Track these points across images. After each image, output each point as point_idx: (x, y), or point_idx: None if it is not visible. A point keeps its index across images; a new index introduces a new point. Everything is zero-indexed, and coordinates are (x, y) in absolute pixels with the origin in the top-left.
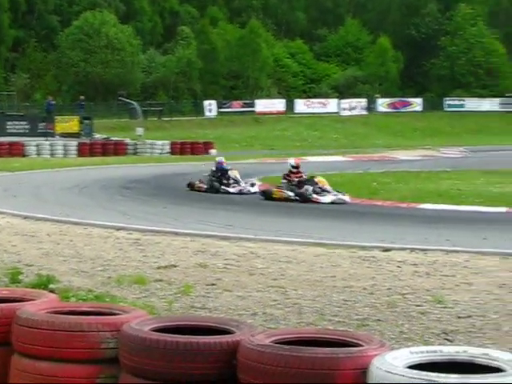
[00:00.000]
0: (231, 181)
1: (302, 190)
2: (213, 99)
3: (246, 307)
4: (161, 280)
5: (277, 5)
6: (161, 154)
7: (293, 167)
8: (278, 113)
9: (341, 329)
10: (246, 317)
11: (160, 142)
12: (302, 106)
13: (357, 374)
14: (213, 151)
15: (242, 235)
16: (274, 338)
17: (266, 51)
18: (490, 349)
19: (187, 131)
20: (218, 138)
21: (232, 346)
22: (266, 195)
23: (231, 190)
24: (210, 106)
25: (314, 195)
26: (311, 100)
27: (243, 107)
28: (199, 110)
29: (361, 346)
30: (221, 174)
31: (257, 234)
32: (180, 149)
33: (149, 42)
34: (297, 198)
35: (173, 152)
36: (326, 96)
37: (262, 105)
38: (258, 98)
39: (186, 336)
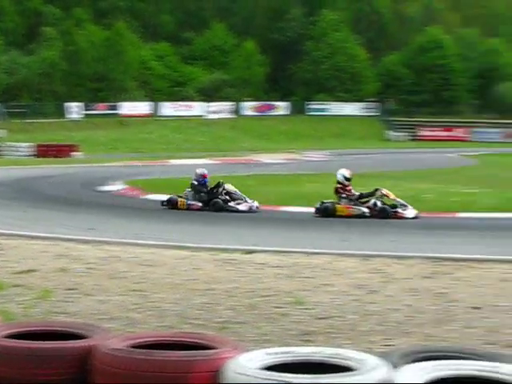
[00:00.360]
0: (233, 196)
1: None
2: (78, 101)
3: (106, 311)
4: (20, 285)
5: (143, 7)
6: (24, 156)
7: (346, 179)
8: (144, 115)
9: (199, 332)
10: (107, 321)
11: (24, 145)
12: (168, 108)
13: (211, 376)
14: (78, 154)
15: (103, 238)
16: (129, 342)
17: (131, 53)
18: (345, 349)
19: (52, 134)
20: (83, 141)
21: (86, 350)
22: (329, 211)
23: (241, 207)
24: (74, 109)
25: (399, 209)
26: (177, 103)
27: (108, 109)
28: (63, 112)
29: (216, 348)
30: (215, 189)
31: (119, 237)
32: (45, 151)
33: (11, 43)
34: (370, 213)
35: (37, 155)
36: (192, 99)
37: (128, 107)
38: (123, 101)
39: (38, 342)
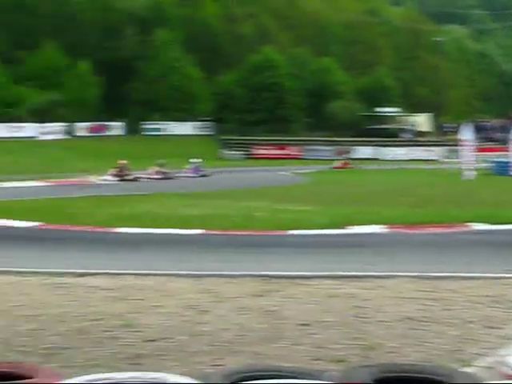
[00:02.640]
0: None
1: None
2: None
3: None
4: None
5: None
6: None
7: None
8: None
9: (29, 360)
10: None
11: None
12: None
13: None
14: None
15: None
16: None
17: None
18: (167, 373)
19: None
20: None
21: None
22: None
23: None
24: None
25: None
26: (7, 124)
27: None
28: None
29: (30, 377)
30: None
31: None
32: None
33: None
34: None
35: None
36: (24, 120)
37: None
38: None
39: None
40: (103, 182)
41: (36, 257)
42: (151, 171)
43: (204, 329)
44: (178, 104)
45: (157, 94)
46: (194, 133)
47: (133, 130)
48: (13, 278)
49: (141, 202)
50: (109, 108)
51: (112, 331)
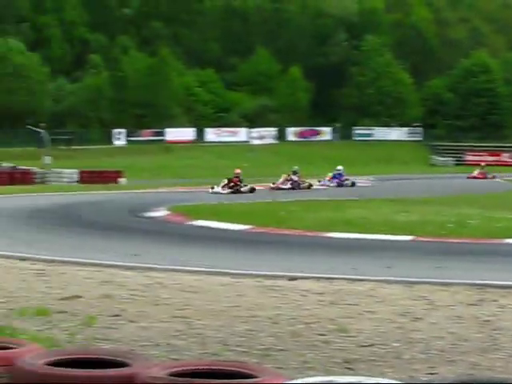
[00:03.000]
0: None
1: None
2: (122, 128)
3: (149, 338)
4: (64, 311)
5: (187, 34)
6: (69, 182)
7: None
8: (188, 142)
9: (243, 359)
10: (150, 348)
11: (68, 171)
12: (211, 134)
13: None
14: (122, 180)
15: (148, 265)
16: (170, 371)
17: (176, 80)
18: (386, 378)
19: (96, 160)
20: (127, 167)
21: (127, 378)
22: None
23: None
24: (120, 135)
25: None
26: (221, 129)
27: (153, 136)
28: (108, 139)
29: (255, 377)
30: None
31: (163, 263)
32: (89, 178)
33: (58, 70)
34: None
35: (81, 181)
36: (237, 125)
37: (172, 133)
38: (167, 127)
39: (80, 370)
40: (315, 187)
41: (249, 259)
42: (282, 179)
43: (417, 336)
44: (388, 109)
45: (367, 99)
46: (403, 138)
47: (343, 134)
48: (228, 280)
49: (350, 207)
50: (318, 113)
51: (325, 335)
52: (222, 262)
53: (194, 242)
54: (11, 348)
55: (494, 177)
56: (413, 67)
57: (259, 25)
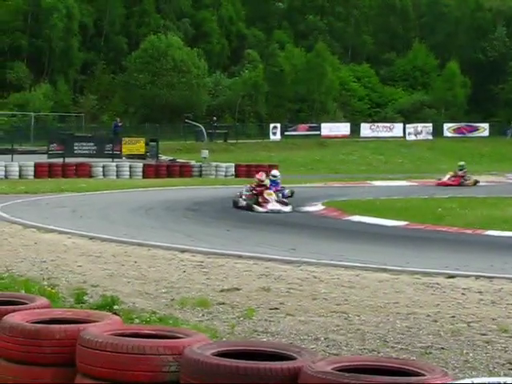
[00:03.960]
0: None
1: None
2: (278, 122)
3: (308, 332)
4: (224, 303)
5: (343, 28)
6: (225, 176)
7: None
8: (343, 136)
9: (403, 357)
10: (308, 342)
11: (225, 165)
12: (367, 129)
13: None
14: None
15: (305, 259)
16: (335, 366)
17: (331, 75)
18: None
19: (252, 154)
20: (282, 161)
21: (293, 372)
22: None
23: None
24: (276, 129)
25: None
26: (376, 124)
27: (308, 130)
28: (265, 133)
29: (422, 375)
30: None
31: (320, 258)
32: (245, 171)
33: (215, 65)
34: None
35: (237, 174)
36: (392, 120)
37: (328, 128)
38: (323, 122)
39: (247, 361)
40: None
41: (407, 255)
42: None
43: None
44: None
45: None
46: None
47: (499, 131)
48: (385, 276)
49: (509, 205)
50: (476, 109)
51: (487, 335)
52: (378, 257)
53: (351, 238)
54: (179, 338)
55: (476, 182)
56: None
57: (416, 19)
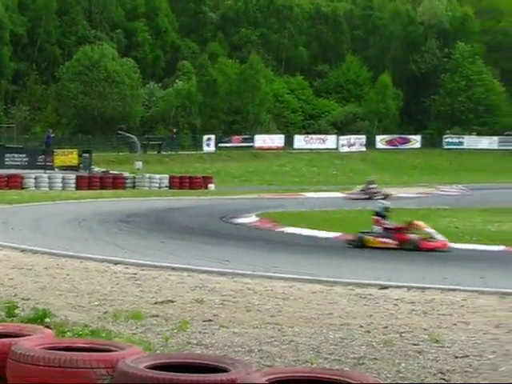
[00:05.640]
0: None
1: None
2: (212, 134)
3: (242, 344)
4: (157, 315)
5: (277, 39)
6: (159, 187)
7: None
8: (277, 148)
9: (336, 367)
10: (242, 354)
11: (158, 176)
12: (301, 141)
13: None
14: (211, 186)
15: (239, 271)
16: (269, 377)
17: (265, 86)
18: None
19: (186, 165)
20: (216, 173)
21: None
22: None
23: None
24: (210, 141)
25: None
26: (310, 136)
27: (242, 142)
28: (198, 145)
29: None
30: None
31: (254, 269)
32: (179, 183)
33: (149, 76)
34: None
35: (171, 186)
36: (325, 132)
37: (261, 140)
38: (257, 133)
39: (181, 374)
40: (403, 195)
41: (341, 266)
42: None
43: None
44: (479, 118)
45: (458, 107)
46: (494, 147)
47: (431, 143)
48: (319, 287)
49: (440, 216)
50: (408, 121)
51: (419, 345)
52: (312, 269)
53: (284, 249)
54: (113, 351)
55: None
56: (503, 75)
57: (349, 31)
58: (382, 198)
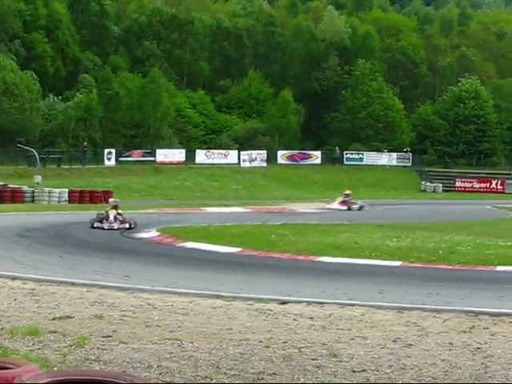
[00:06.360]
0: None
1: None
2: (113, 148)
3: (141, 360)
4: (55, 331)
5: (180, 54)
6: (59, 202)
7: None
8: (178, 163)
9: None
10: (141, 369)
11: (58, 190)
12: (202, 156)
13: None
14: (112, 200)
15: (138, 286)
16: None
17: (167, 101)
18: None
19: (87, 180)
20: (117, 187)
21: None
22: None
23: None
24: (110, 155)
25: None
26: (212, 151)
27: (143, 156)
28: (99, 159)
29: None
30: None
31: (154, 285)
32: (78, 197)
33: (50, 88)
34: None
35: (71, 200)
36: (227, 147)
37: (163, 154)
38: (158, 148)
39: None
40: (304, 210)
41: (239, 282)
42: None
43: (410, 363)
44: (379, 134)
45: (358, 123)
46: (393, 164)
47: (332, 159)
48: (219, 302)
49: (340, 231)
50: (309, 136)
51: (317, 360)
52: (212, 284)
53: (185, 264)
54: (9, 368)
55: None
56: (403, 92)
57: (251, 48)
58: (358, 210)
